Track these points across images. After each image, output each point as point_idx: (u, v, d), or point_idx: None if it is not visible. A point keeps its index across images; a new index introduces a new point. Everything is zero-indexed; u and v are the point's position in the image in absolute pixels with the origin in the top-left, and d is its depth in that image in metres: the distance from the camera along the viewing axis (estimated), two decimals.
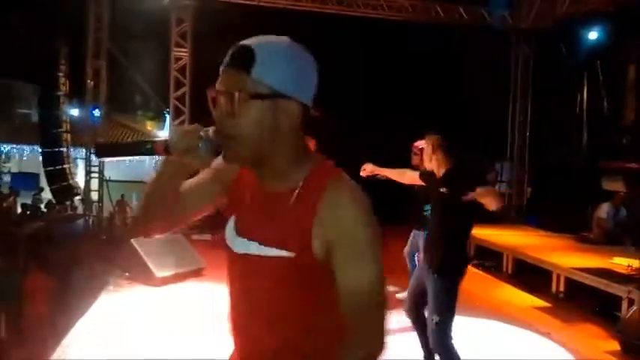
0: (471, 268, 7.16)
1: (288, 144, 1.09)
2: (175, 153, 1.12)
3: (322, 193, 1.07)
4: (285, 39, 1.09)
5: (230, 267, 1.22)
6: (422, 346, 3.36)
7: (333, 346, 1.09)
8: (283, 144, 1.09)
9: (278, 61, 1.04)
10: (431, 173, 3.25)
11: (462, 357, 2.99)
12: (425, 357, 3.39)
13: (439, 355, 3.04)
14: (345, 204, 1.06)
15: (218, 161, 1.18)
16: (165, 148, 1.12)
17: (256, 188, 1.15)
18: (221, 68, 1.08)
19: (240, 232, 1.17)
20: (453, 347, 2.99)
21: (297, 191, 1.09)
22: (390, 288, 5.53)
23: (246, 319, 1.19)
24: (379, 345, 1.08)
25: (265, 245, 1.10)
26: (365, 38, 9.37)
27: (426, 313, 3.15)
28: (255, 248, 1.13)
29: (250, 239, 1.14)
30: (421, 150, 4.83)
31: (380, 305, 1.09)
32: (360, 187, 1.12)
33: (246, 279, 1.17)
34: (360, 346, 1.08)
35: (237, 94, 1.03)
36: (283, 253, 1.08)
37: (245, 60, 1.03)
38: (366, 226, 1.06)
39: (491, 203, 2.89)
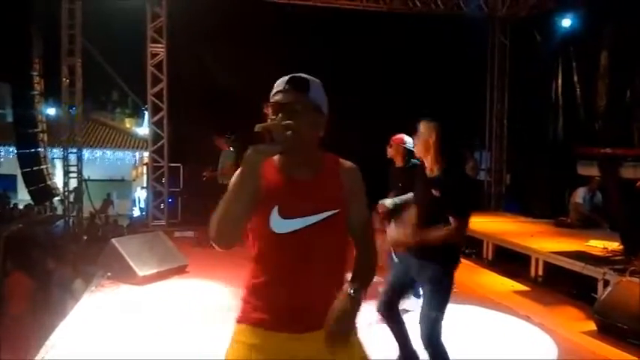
0: None
1: (317, 144, 1.66)
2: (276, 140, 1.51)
3: (338, 169, 1.69)
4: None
5: (275, 248, 1.60)
6: (398, 343, 3.25)
7: (343, 271, 1.69)
8: (316, 143, 1.65)
9: (319, 89, 1.64)
10: (420, 169, 3.04)
11: (449, 351, 2.91)
12: (400, 351, 3.28)
13: (429, 349, 2.86)
14: (354, 172, 1.71)
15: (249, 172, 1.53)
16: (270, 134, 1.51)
17: (286, 180, 1.63)
18: (279, 90, 1.59)
19: (287, 215, 1.58)
20: (442, 343, 2.87)
21: (325, 171, 1.66)
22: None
23: (300, 277, 1.60)
24: (377, 256, 1.76)
25: (316, 214, 1.58)
26: (340, 29, 9.36)
27: (418, 308, 3.02)
28: (306, 221, 1.58)
29: (300, 216, 1.58)
30: (397, 141, 4.87)
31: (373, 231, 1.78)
32: None
33: (300, 248, 1.59)
34: (370, 258, 1.72)
35: (301, 105, 1.57)
36: (332, 211, 1.60)
37: (304, 84, 1.60)
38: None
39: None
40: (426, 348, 2.87)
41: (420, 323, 2.88)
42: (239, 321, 1.68)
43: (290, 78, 1.60)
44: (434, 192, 2.85)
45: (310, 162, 1.66)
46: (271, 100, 1.61)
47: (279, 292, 1.61)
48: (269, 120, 1.59)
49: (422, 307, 2.94)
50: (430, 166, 2.94)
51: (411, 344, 3.24)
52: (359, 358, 1.70)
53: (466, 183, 2.93)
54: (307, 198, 1.61)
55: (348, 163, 1.73)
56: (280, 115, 1.57)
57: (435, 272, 2.88)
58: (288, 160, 1.64)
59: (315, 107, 1.61)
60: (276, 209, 1.59)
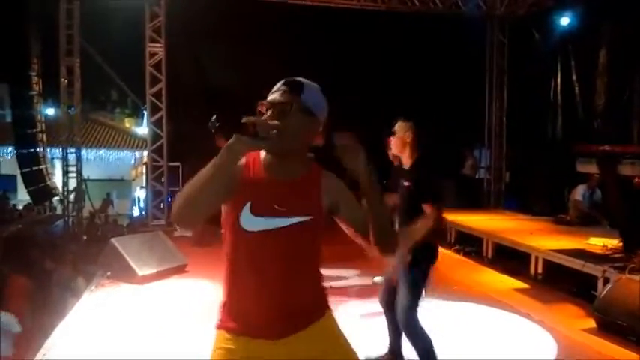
0: (451, 253, 7.32)
1: (306, 147, 1.66)
2: (261, 135, 1.51)
3: (321, 176, 1.67)
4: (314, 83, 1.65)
5: (243, 246, 1.60)
6: (389, 334, 3.45)
7: (317, 278, 1.70)
8: (305, 147, 1.65)
9: (315, 94, 1.63)
10: (399, 164, 3.31)
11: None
12: (390, 343, 3.46)
13: (409, 337, 3.11)
14: (336, 179, 1.68)
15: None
16: (254, 129, 1.50)
17: (266, 179, 1.61)
18: (274, 90, 1.60)
19: (258, 213, 1.57)
20: (423, 329, 3.08)
21: (306, 177, 1.64)
22: (372, 277, 5.61)
23: (266, 281, 1.58)
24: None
25: (289, 217, 1.57)
26: (339, 29, 9.36)
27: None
28: (277, 222, 1.57)
29: (272, 216, 1.57)
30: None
31: None
32: None
33: (269, 250, 1.57)
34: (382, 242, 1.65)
35: (293, 104, 1.57)
36: (305, 217, 1.59)
37: (298, 87, 1.60)
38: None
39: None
40: (406, 335, 3.12)
41: (398, 315, 3.13)
42: (217, 327, 1.68)
43: (286, 80, 1.62)
44: (405, 183, 3.15)
45: (294, 166, 1.64)
46: (266, 100, 1.63)
47: (250, 295, 1.60)
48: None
49: (398, 299, 3.15)
50: (405, 161, 3.24)
51: (400, 339, 3.38)
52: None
53: (433, 173, 3.23)
54: (282, 200, 1.59)
55: (331, 174, 1.70)
56: (270, 113, 1.58)
57: (414, 275, 3.09)
58: (272, 160, 1.64)
59: (305, 109, 1.59)
60: (248, 205, 1.58)
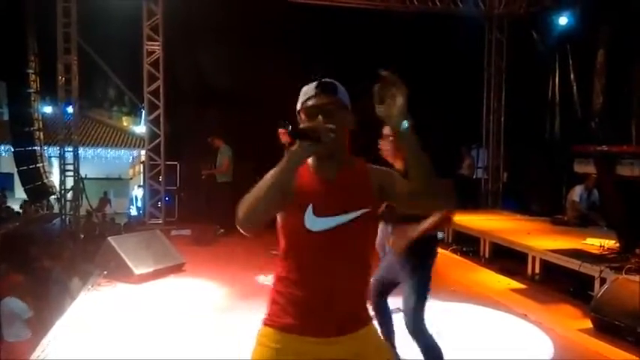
0: (449, 253, 7.32)
1: (348, 143, 1.72)
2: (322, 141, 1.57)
3: (365, 167, 1.75)
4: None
5: (308, 246, 1.65)
6: (382, 334, 3.39)
7: (368, 278, 1.79)
8: (346, 141, 1.71)
9: (343, 90, 1.71)
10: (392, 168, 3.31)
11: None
12: None
13: (417, 340, 3.06)
14: (378, 167, 1.78)
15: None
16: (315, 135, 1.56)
17: (319, 180, 1.68)
18: (311, 95, 1.66)
19: (321, 214, 1.63)
20: (428, 331, 3.04)
21: (353, 172, 1.71)
22: None
23: (331, 277, 1.63)
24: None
25: (349, 212, 1.63)
26: (336, 27, 9.33)
27: (401, 301, 3.18)
28: (340, 219, 1.63)
29: (334, 214, 1.63)
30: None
31: None
32: None
33: (333, 248, 1.63)
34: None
35: (334, 106, 1.65)
36: (363, 210, 1.65)
37: (334, 88, 1.68)
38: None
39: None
40: (413, 338, 3.05)
41: (403, 316, 3.07)
42: (266, 324, 1.70)
43: (318, 83, 1.68)
44: None
45: (340, 164, 1.70)
46: (305, 106, 1.67)
47: (310, 293, 1.64)
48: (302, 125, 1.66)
49: (403, 300, 3.10)
50: (398, 166, 3.12)
51: (393, 340, 3.35)
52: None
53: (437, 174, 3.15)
54: (339, 197, 1.65)
55: (371, 164, 1.79)
56: (320, 117, 1.62)
57: (412, 265, 3.08)
58: (319, 162, 1.70)
59: (344, 107, 1.69)
60: (310, 208, 1.63)
